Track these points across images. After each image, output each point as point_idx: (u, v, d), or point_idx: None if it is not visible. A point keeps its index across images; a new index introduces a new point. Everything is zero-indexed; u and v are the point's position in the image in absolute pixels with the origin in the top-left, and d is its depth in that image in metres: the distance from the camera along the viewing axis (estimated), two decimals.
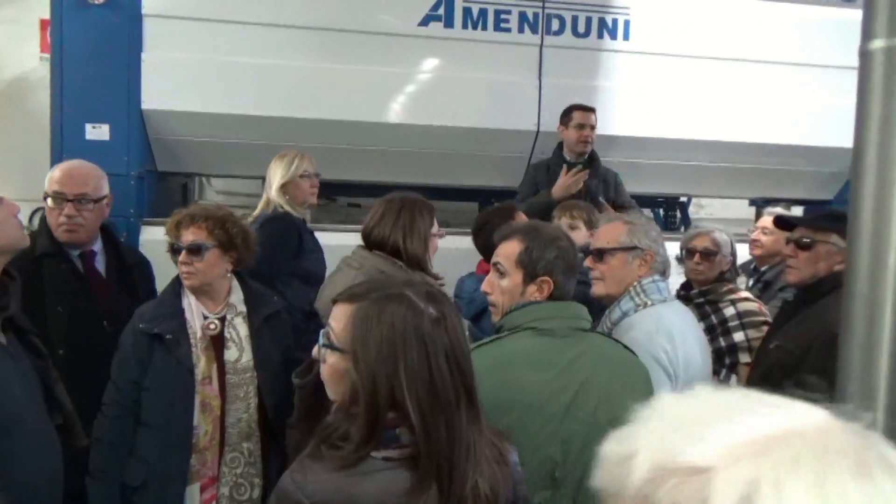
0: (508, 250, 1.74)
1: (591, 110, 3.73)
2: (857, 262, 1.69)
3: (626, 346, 1.67)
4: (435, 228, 2.35)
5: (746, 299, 2.64)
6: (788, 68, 4.32)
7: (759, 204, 5.12)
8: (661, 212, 5.34)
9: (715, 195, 5.45)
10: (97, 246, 2.61)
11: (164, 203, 3.97)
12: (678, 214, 5.36)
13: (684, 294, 2.76)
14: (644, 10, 4.05)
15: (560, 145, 3.77)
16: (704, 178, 4.63)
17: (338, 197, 4.65)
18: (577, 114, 3.73)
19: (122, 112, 3.56)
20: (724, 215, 6.12)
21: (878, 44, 1.64)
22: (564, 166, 3.63)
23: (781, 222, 2.39)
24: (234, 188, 5.26)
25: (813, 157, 4.47)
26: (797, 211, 4.92)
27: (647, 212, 4.97)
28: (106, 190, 2.60)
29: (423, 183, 4.14)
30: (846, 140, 4.38)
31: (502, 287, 1.73)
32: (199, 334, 2.20)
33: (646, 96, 4.17)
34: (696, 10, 4.17)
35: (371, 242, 2.30)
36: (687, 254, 2.85)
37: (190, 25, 3.65)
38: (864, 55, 1.68)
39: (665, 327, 1.91)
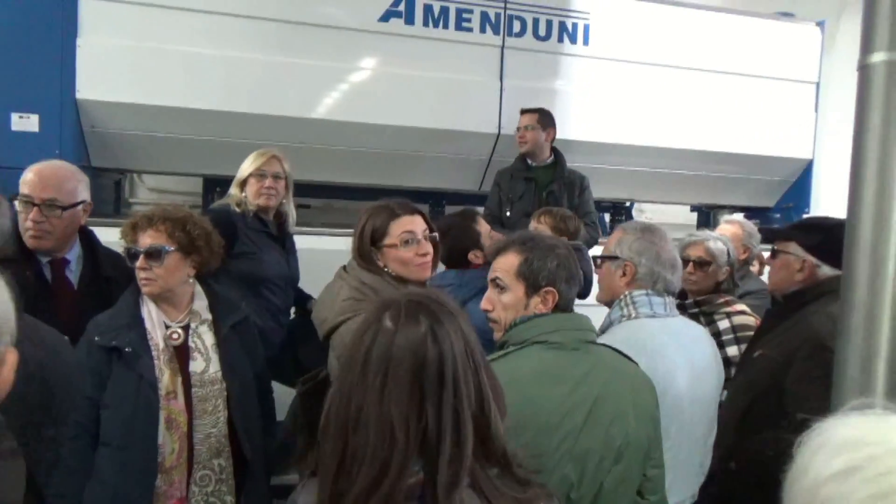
0: (506, 263, 1.66)
1: (530, 111, 3.72)
2: (856, 273, 1.72)
3: (629, 358, 1.63)
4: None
5: (742, 312, 2.63)
6: (733, 78, 4.47)
7: (703, 210, 5.29)
8: (608, 217, 5.42)
9: (660, 201, 5.58)
10: (72, 254, 2.36)
11: (96, 202, 3.68)
12: (624, 219, 5.46)
13: (679, 303, 2.75)
14: (602, 16, 4.09)
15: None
16: (650, 183, 4.73)
17: None
18: (520, 117, 3.76)
19: (54, 101, 3.28)
20: (663, 220, 6.29)
21: (878, 57, 1.68)
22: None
23: (766, 233, 2.44)
24: (168, 186, 4.97)
25: (755, 165, 4.65)
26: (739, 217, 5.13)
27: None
28: (83, 195, 2.36)
29: (377, 184, 4.04)
30: (787, 150, 4.59)
31: (504, 303, 1.65)
32: (161, 345, 2.02)
33: (598, 101, 4.22)
34: (647, 19, 4.25)
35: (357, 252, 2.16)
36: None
37: (131, 9, 3.40)
38: (864, 68, 1.71)
39: (639, 340, 1.86)
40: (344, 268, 2.11)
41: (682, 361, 1.88)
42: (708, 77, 4.39)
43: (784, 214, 4.79)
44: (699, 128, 4.45)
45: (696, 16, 4.39)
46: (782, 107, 4.57)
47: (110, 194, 4.30)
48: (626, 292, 1.95)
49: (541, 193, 3.68)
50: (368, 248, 2.03)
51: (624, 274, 1.97)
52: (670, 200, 5.45)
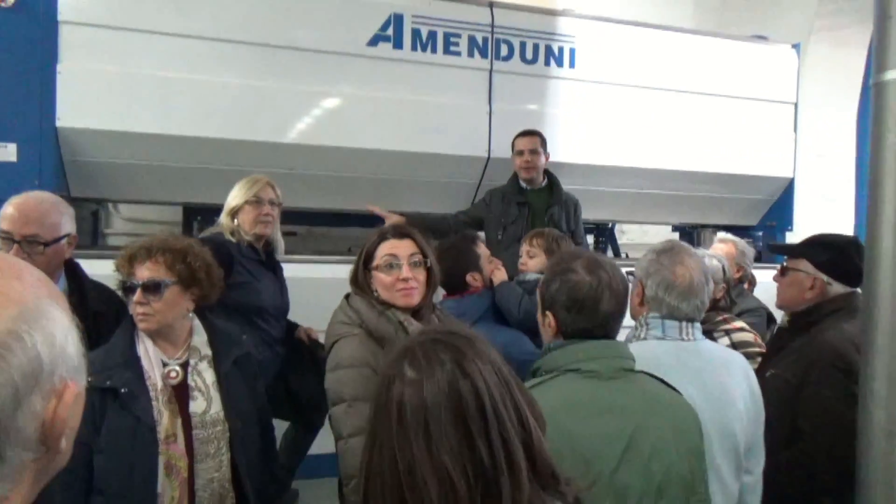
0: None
1: (532, 134, 3.69)
2: (878, 290, 1.70)
3: (671, 387, 1.57)
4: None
5: (742, 329, 2.62)
6: (714, 99, 4.53)
7: (685, 229, 5.32)
8: (591, 238, 5.42)
9: (642, 221, 5.60)
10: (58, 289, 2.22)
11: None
12: (605, 241, 5.47)
13: None
14: (587, 39, 4.11)
15: (515, 174, 3.72)
16: (633, 204, 4.74)
17: None
18: (517, 140, 3.71)
19: (33, 130, 3.15)
20: (643, 240, 6.32)
21: (892, 75, 1.68)
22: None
23: (775, 249, 2.42)
24: (145, 215, 4.82)
25: (737, 184, 4.70)
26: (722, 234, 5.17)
27: None
28: (67, 228, 2.23)
29: (365, 210, 3.97)
30: (768, 169, 4.65)
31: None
32: (159, 385, 1.90)
33: (583, 123, 4.22)
34: (631, 42, 4.29)
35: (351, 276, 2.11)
36: None
37: (114, 35, 3.30)
38: (879, 86, 1.70)
39: (641, 361, 1.81)
40: (348, 293, 2.06)
41: (690, 387, 1.80)
42: (689, 98, 4.44)
43: (767, 233, 4.83)
44: (682, 148, 4.48)
45: (678, 39, 4.45)
46: (762, 127, 4.64)
47: (87, 225, 4.16)
48: (644, 313, 1.90)
49: (534, 218, 3.65)
50: (362, 272, 2.00)
51: (638, 294, 1.93)
52: (653, 220, 5.49)
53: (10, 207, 2.15)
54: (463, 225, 3.63)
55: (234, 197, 2.82)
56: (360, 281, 2.00)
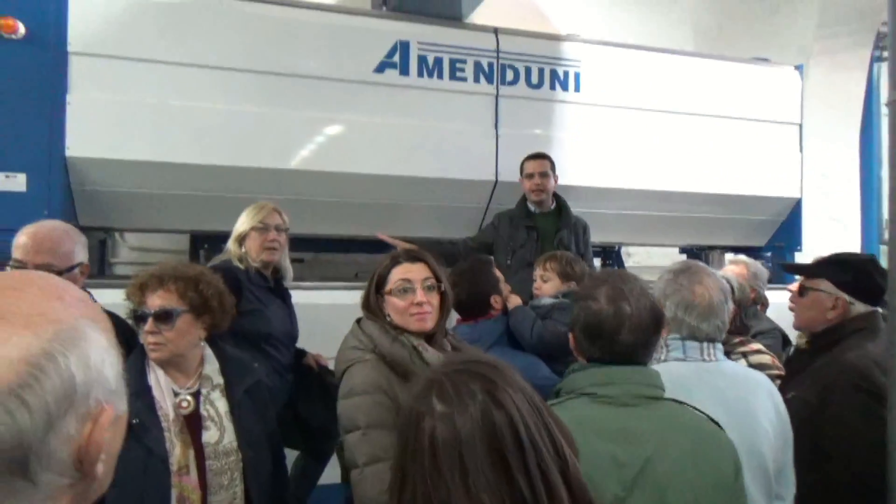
0: None
1: (541, 157, 3.69)
2: None
3: (710, 418, 1.51)
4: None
5: (759, 351, 2.58)
6: (719, 121, 4.53)
7: (693, 251, 5.29)
8: (598, 261, 5.39)
9: (649, 243, 5.58)
10: None
11: None
12: (612, 264, 5.44)
13: None
14: (592, 63, 4.13)
15: (524, 197, 3.71)
16: (639, 226, 4.72)
17: None
18: (527, 163, 3.70)
19: (43, 160, 3.15)
20: (649, 263, 6.29)
21: None
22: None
23: (791, 269, 2.40)
24: (152, 244, 4.81)
25: (744, 205, 4.68)
26: (729, 257, 5.15)
27: None
28: (80, 257, 2.23)
29: (373, 236, 3.96)
30: (775, 189, 4.62)
31: None
32: (170, 415, 1.87)
33: (590, 147, 4.22)
34: (636, 66, 4.31)
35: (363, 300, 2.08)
36: None
37: (121, 65, 3.31)
38: (894, 104, 1.69)
39: (664, 382, 1.79)
40: (359, 318, 2.03)
41: (714, 408, 1.77)
42: (695, 120, 4.45)
43: (776, 254, 4.81)
44: (688, 170, 4.47)
45: (682, 62, 4.47)
46: (768, 148, 4.64)
47: (94, 254, 4.14)
48: (664, 335, 1.87)
49: (543, 241, 3.63)
50: (374, 296, 1.98)
51: None
52: (660, 243, 5.46)
53: (22, 236, 2.15)
54: (472, 250, 3.60)
55: (241, 223, 2.81)
56: (373, 305, 1.97)
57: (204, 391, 1.95)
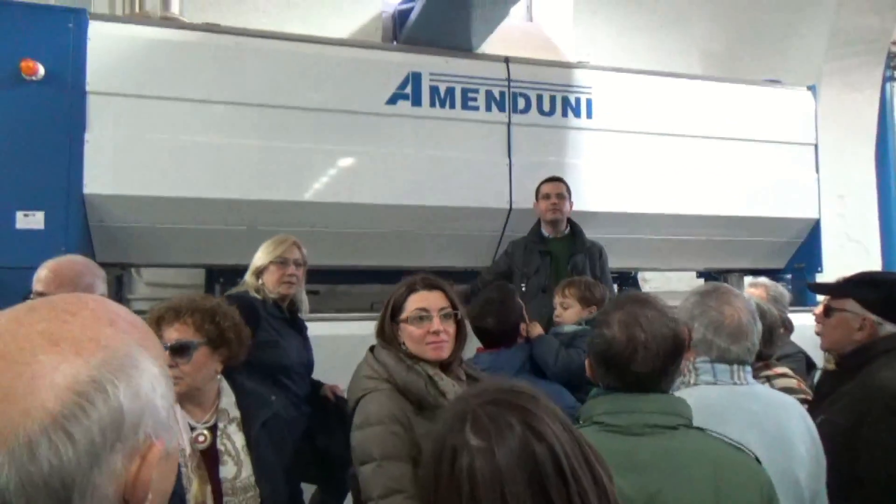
0: None
1: (558, 180, 3.69)
2: None
3: (737, 445, 1.45)
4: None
5: (784, 375, 2.51)
6: (734, 143, 4.51)
7: (710, 275, 5.23)
8: (615, 287, 5.33)
9: (666, 268, 5.52)
10: None
11: None
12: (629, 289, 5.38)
13: None
14: (604, 89, 4.15)
15: (538, 223, 3.68)
16: (656, 251, 4.68)
17: None
18: (544, 186, 3.70)
19: (61, 197, 3.19)
20: (667, 287, 6.22)
21: None
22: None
23: (817, 289, 2.35)
24: (167, 279, 4.84)
25: (762, 227, 4.63)
26: (748, 280, 5.07)
27: None
28: (100, 289, 2.25)
29: (388, 265, 3.95)
30: (792, 210, 4.55)
31: None
32: (187, 450, 1.83)
33: (604, 172, 4.22)
34: (648, 91, 4.32)
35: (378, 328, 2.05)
36: None
37: (140, 103, 3.37)
38: None
39: (694, 407, 1.72)
40: (373, 346, 2.00)
41: (749, 433, 1.71)
42: (710, 144, 4.43)
43: (796, 275, 4.73)
44: (704, 193, 4.45)
45: (693, 86, 4.47)
46: (785, 169, 4.60)
47: (111, 290, 4.15)
48: (692, 358, 1.81)
49: (558, 266, 3.59)
50: (389, 324, 1.95)
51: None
52: (677, 267, 5.41)
53: (44, 270, 2.17)
54: (488, 283, 3.57)
55: (259, 257, 2.81)
56: (387, 333, 1.95)
57: (221, 425, 1.91)
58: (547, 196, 3.63)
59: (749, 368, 1.78)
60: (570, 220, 3.72)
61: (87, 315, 0.60)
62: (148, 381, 0.60)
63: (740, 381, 1.75)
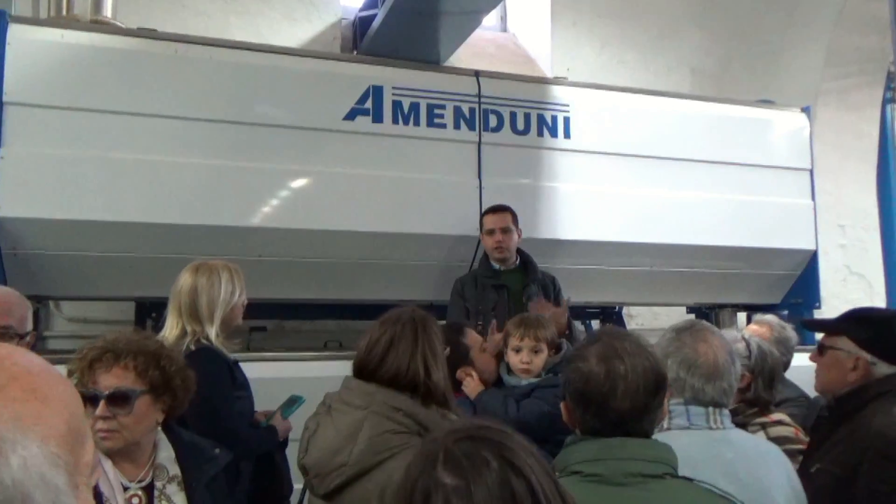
0: None
1: (502, 210, 3.76)
2: None
3: (725, 495, 1.52)
4: None
5: (780, 422, 2.61)
6: (724, 168, 4.69)
7: (701, 310, 5.38)
8: (597, 324, 5.44)
9: (653, 302, 5.66)
10: None
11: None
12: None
13: None
14: (583, 108, 4.30)
15: (486, 255, 3.79)
16: (642, 283, 4.80)
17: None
18: (486, 218, 3.79)
19: None
20: (655, 324, 6.37)
21: None
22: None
23: (811, 325, 2.46)
24: (91, 314, 4.80)
25: (755, 259, 4.80)
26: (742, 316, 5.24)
27: (578, 325, 5.00)
28: (30, 324, 2.28)
29: (345, 298, 4.00)
30: (787, 241, 4.71)
31: None
32: None
33: (584, 197, 4.34)
34: (631, 110, 4.49)
35: (376, 375, 2.06)
36: None
37: (62, 115, 3.39)
38: None
39: None
40: (344, 394, 2.03)
41: (724, 483, 1.77)
42: (698, 168, 4.60)
43: (793, 311, 4.90)
44: (692, 221, 4.59)
45: (681, 105, 4.66)
46: (777, 196, 4.79)
47: None
48: (666, 399, 1.90)
49: (517, 300, 3.66)
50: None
51: None
52: (665, 302, 5.55)
53: None
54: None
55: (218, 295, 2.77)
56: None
57: (158, 484, 1.93)
58: (491, 231, 3.72)
59: (727, 412, 1.87)
60: (519, 250, 3.81)
61: None
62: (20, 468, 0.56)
63: (716, 426, 1.83)
